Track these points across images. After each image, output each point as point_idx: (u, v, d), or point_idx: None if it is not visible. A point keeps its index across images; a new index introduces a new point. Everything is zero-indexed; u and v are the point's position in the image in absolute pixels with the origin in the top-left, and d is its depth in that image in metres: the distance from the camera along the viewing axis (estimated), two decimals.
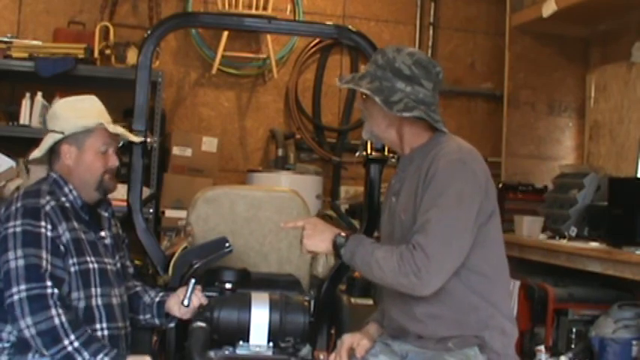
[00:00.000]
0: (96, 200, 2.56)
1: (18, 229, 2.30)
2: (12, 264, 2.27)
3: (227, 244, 2.71)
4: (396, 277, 2.16)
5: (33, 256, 2.27)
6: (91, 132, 2.49)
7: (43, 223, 2.32)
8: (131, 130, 2.80)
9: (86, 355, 2.26)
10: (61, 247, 2.35)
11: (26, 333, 2.23)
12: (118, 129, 2.55)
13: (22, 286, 2.24)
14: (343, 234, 2.29)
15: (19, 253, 2.27)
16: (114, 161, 2.54)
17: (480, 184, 2.24)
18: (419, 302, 2.26)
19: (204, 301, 2.56)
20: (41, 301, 2.24)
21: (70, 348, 2.25)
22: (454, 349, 2.26)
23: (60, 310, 2.25)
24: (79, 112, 2.51)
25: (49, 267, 2.29)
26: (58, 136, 2.47)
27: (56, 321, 2.24)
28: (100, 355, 2.28)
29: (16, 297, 2.24)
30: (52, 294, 2.26)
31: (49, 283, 2.26)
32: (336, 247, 2.29)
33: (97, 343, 2.30)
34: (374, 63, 2.37)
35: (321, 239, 2.32)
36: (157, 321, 2.65)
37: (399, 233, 2.32)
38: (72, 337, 2.25)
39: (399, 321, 2.36)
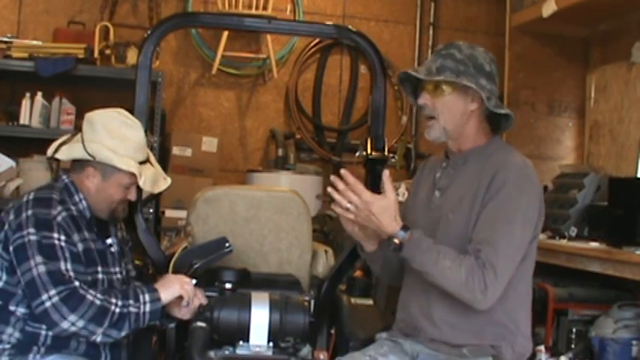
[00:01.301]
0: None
1: (33, 238, 2.28)
2: (34, 272, 2.25)
3: (227, 244, 2.70)
4: (460, 290, 2.14)
5: (53, 263, 2.27)
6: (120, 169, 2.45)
7: (56, 235, 2.31)
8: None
9: (132, 307, 2.32)
10: (79, 255, 2.35)
11: (75, 328, 2.25)
12: (147, 184, 2.50)
13: (52, 292, 2.23)
14: (397, 239, 2.17)
15: (39, 259, 2.26)
16: (133, 195, 2.53)
17: (539, 205, 2.26)
18: (441, 307, 2.26)
19: (204, 301, 2.56)
20: (75, 297, 2.24)
21: (117, 310, 2.29)
22: (468, 357, 2.25)
23: (92, 292, 2.28)
24: (118, 144, 2.45)
25: (71, 274, 2.28)
26: (87, 157, 2.44)
27: (97, 302, 2.27)
28: (141, 298, 2.35)
29: (48, 303, 2.23)
30: (80, 286, 2.27)
31: (76, 283, 2.26)
32: (387, 248, 2.22)
33: (130, 292, 2.35)
34: (449, 57, 2.29)
35: (370, 241, 2.28)
36: (157, 321, 2.65)
37: (443, 232, 2.28)
38: (114, 301, 2.30)
39: (416, 319, 2.34)
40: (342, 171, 2.20)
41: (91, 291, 2.27)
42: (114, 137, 2.45)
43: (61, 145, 2.49)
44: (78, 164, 2.48)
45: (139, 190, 2.57)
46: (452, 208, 2.29)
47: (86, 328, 2.26)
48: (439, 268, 2.15)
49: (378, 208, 2.16)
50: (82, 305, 2.24)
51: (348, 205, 2.18)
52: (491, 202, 2.20)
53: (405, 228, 2.18)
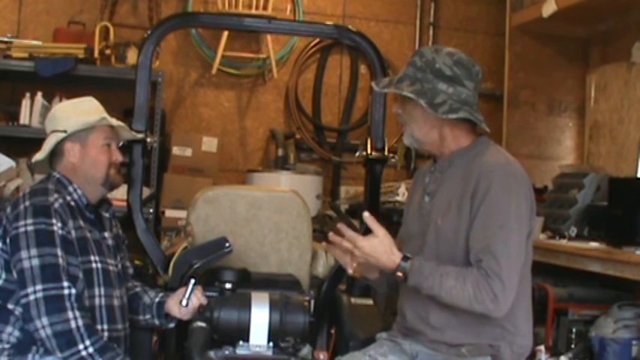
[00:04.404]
0: (100, 198, 2.56)
1: (30, 228, 2.29)
2: (26, 263, 2.26)
3: (227, 244, 2.71)
4: (471, 304, 2.15)
5: (49, 255, 2.27)
6: (93, 128, 2.50)
7: (54, 221, 2.32)
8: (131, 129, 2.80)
9: None
10: (73, 244, 2.35)
11: (41, 333, 2.23)
12: (120, 123, 2.58)
13: (39, 287, 2.23)
14: (400, 273, 2.20)
15: (34, 252, 2.26)
16: (117, 155, 2.55)
17: (529, 201, 2.26)
18: (436, 310, 2.26)
19: (204, 301, 2.56)
20: (58, 302, 2.24)
21: (84, 353, 2.25)
22: (467, 356, 2.25)
23: (77, 313, 2.25)
24: (79, 111, 2.53)
25: (65, 265, 2.29)
26: (61, 135, 2.47)
27: (72, 324, 2.24)
28: None
29: (32, 297, 2.23)
30: (70, 295, 2.26)
31: (65, 284, 2.26)
32: (398, 271, 2.21)
33: (111, 352, 2.29)
34: (411, 65, 2.31)
35: (383, 263, 2.25)
36: (156, 321, 2.65)
37: (432, 238, 2.29)
38: (87, 342, 2.25)
39: (414, 324, 2.35)
40: (339, 225, 2.30)
41: (77, 311, 2.25)
42: (71, 111, 2.53)
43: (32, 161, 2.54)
44: (57, 154, 2.51)
45: (123, 152, 2.60)
46: (441, 214, 2.29)
47: (49, 340, 2.23)
48: (445, 290, 2.15)
49: (370, 249, 2.20)
50: (58, 315, 2.23)
51: (348, 246, 2.24)
52: (481, 208, 2.19)
53: (405, 259, 2.21)
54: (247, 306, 2.52)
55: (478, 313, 2.16)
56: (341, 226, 2.28)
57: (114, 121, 2.54)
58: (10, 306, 2.33)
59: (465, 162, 2.30)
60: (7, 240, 2.32)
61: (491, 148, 2.34)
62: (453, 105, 2.24)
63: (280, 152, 5.41)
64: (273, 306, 2.53)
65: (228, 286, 2.61)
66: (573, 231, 4.15)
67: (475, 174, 2.23)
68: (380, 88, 2.36)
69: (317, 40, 5.64)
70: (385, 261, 2.21)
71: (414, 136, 2.36)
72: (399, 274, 2.20)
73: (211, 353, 2.43)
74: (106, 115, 2.54)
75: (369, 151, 3.01)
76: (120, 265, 2.59)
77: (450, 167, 2.34)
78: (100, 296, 2.42)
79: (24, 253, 2.27)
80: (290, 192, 3.08)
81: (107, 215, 2.62)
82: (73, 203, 2.44)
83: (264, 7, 5.22)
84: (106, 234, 2.56)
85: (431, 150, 2.39)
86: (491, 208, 2.18)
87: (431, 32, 5.94)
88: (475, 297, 2.13)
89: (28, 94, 4.59)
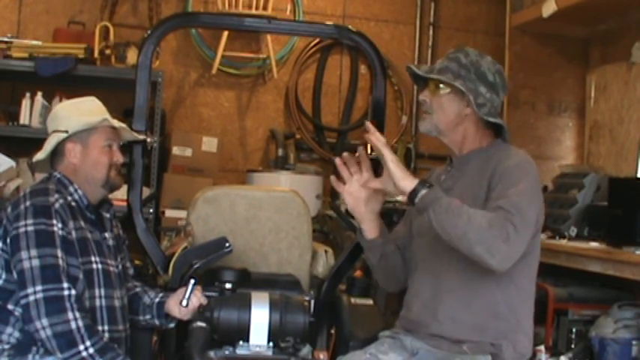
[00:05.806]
0: (100, 199, 2.56)
1: (30, 229, 2.29)
2: (26, 264, 2.25)
3: (227, 244, 2.70)
4: (482, 235, 2.08)
5: (49, 256, 2.27)
6: (94, 129, 2.50)
7: (55, 222, 2.31)
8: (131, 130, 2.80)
9: None
10: (73, 245, 2.35)
11: (42, 334, 2.23)
12: (122, 124, 2.58)
13: (38, 287, 2.23)
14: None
15: (34, 253, 2.26)
16: (118, 157, 2.55)
17: (540, 193, 2.31)
18: (445, 303, 2.27)
19: (204, 301, 2.56)
20: (58, 303, 2.24)
21: (84, 353, 2.24)
22: (467, 353, 2.25)
23: (77, 314, 2.25)
24: (82, 111, 2.53)
25: (65, 266, 2.29)
26: (63, 135, 2.47)
27: (73, 325, 2.24)
28: None
29: (31, 298, 2.23)
30: (69, 296, 2.26)
31: (65, 285, 2.26)
32: (419, 186, 2.19)
33: (111, 352, 2.29)
34: (455, 60, 2.35)
35: (404, 175, 2.24)
36: (156, 321, 2.65)
37: None
38: (87, 342, 2.25)
39: (417, 315, 2.36)
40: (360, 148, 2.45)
41: (77, 312, 2.25)
42: (73, 111, 2.52)
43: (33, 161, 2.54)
44: (58, 154, 2.51)
45: (123, 152, 2.60)
46: None
47: (49, 341, 2.23)
48: (465, 210, 2.12)
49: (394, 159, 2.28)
50: (58, 316, 2.23)
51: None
52: (498, 186, 2.22)
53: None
54: (247, 306, 2.52)
55: (483, 252, 2.08)
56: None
57: (115, 122, 2.54)
58: (10, 306, 2.33)
59: (483, 160, 2.35)
60: (8, 240, 2.32)
61: (510, 147, 2.40)
62: (491, 109, 2.33)
63: (280, 152, 5.41)
64: (273, 306, 2.53)
65: (228, 286, 2.61)
66: (573, 231, 4.16)
67: (492, 166, 2.29)
68: (424, 73, 2.39)
69: (317, 40, 5.64)
70: (406, 174, 2.23)
71: (439, 127, 2.39)
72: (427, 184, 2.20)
73: (211, 353, 2.42)
74: (107, 115, 2.54)
75: (369, 151, 3.01)
76: (120, 266, 2.59)
77: (467, 165, 2.39)
78: (100, 297, 2.42)
79: (24, 254, 2.27)
80: (290, 192, 3.08)
81: (108, 216, 2.62)
82: (73, 204, 2.44)
83: (264, 7, 5.22)
84: (107, 234, 2.56)
85: (448, 144, 2.44)
86: (509, 182, 2.20)
87: (431, 32, 5.93)
88: (490, 229, 2.07)
89: (28, 94, 4.59)
